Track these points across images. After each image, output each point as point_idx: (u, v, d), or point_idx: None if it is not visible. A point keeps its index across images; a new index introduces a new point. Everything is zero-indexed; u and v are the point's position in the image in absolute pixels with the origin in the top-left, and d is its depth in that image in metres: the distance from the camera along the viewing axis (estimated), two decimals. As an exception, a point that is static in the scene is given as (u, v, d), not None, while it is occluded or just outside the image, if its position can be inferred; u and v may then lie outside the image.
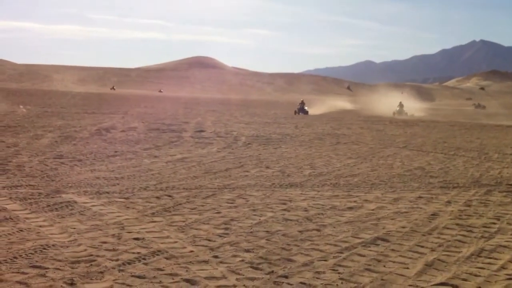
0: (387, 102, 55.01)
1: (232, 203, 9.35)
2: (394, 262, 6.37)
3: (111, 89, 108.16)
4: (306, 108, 44.34)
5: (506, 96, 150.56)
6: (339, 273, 5.94)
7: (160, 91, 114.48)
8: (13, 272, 5.60)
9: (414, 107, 57.08)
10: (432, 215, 8.80)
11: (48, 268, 5.74)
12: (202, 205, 9.06)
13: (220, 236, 7.22)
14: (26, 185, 10.13)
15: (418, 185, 11.55)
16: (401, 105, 49.03)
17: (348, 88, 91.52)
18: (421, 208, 9.32)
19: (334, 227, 7.87)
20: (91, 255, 6.23)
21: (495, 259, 6.59)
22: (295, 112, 43.38)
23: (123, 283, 5.42)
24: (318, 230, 7.71)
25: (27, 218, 7.78)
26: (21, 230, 7.13)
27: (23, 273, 5.59)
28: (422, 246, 7.03)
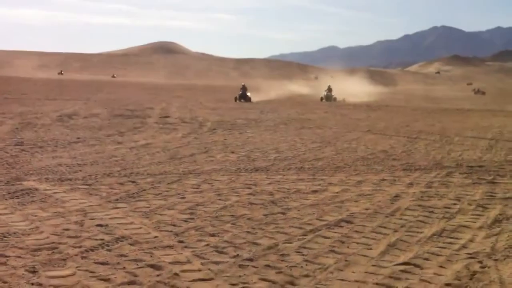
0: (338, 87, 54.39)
1: (197, 188, 9.31)
2: (357, 243, 6.45)
3: (58, 73, 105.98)
4: (248, 94, 39.82)
5: (464, 81, 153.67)
6: (303, 255, 5.98)
7: (113, 76, 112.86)
8: (-28, 261, 5.47)
9: (363, 91, 57.09)
10: (394, 197, 8.94)
11: (9, 256, 5.62)
12: (167, 191, 9.00)
13: (185, 221, 7.19)
14: (-15, 173, 9.87)
15: (381, 168, 11.71)
16: (329, 89, 44.93)
17: (316, 78, 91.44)
18: (384, 190, 9.46)
19: (299, 210, 7.92)
20: (53, 242, 6.13)
21: (456, 238, 6.73)
22: (236, 99, 39.08)
23: (86, 270, 5.35)
24: (283, 213, 7.74)
25: (-14, 207, 7.58)
26: (-20, 219, 6.95)
27: (-18, 262, 5.46)
28: (385, 227, 7.14)
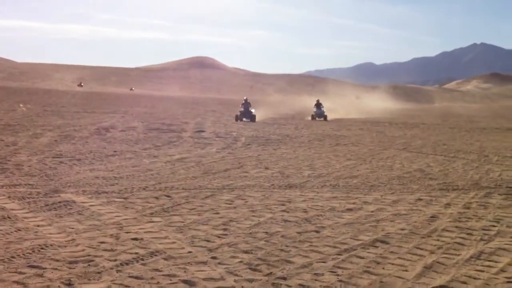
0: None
1: (231, 203, 9.32)
2: (393, 264, 6.34)
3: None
4: (252, 110, 33.22)
5: (503, 99, 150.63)
6: (337, 275, 5.91)
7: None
8: (10, 272, 5.57)
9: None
10: (431, 217, 8.77)
11: (45, 268, 5.71)
12: (201, 206, 9.04)
13: (219, 237, 7.19)
14: (25, 184, 10.11)
15: (417, 187, 11.52)
16: (318, 104, 38.87)
17: (357, 98, 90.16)
18: (420, 210, 9.29)
19: (333, 229, 7.84)
20: (89, 255, 6.21)
21: (495, 262, 6.56)
22: (236, 118, 32.84)
23: (120, 284, 5.40)
24: (317, 231, 7.68)
25: (25, 218, 7.75)
26: (19, 230, 7.10)
27: (20, 273, 5.57)
28: (421, 249, 7.00)
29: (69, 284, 5.32)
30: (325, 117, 37.28)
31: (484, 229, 8.08)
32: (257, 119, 32.73)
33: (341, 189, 11.00)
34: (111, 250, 6.43)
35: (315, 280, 5.74)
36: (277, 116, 37.99)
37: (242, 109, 33.36)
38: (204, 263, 6.13)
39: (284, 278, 5.74)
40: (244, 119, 32.52)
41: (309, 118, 37.85)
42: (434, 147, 20.26)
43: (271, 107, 46.13)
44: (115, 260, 6.06)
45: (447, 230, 7.95)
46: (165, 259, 6.20)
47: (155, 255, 6.30)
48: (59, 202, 8.80)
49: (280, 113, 41.39)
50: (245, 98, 35.59)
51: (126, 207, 8.69)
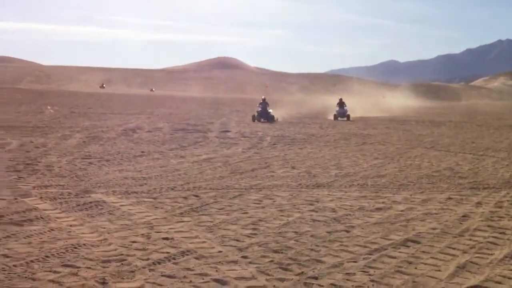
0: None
1: (259, 203, 9.33)
2: (425, 264, 6.28)
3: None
4: (270, 110, 31.49)
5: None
6: (369, 274, 5.88)
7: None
8: (45, 271, 5.67)
9: (400, 106, 55.14)
10: (462, 216, 8.66)
11: (80, 267, 5.80)
12: (229, 205, 9.07)
13: (248, 237, 7.21)
14: (56, 185, 10.27)
15: (447, 186, 11.38)
16: (340, 103, 36.78)
17: (383, 97, 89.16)
18: (451, 209, 9.18)
19: (363, 228, 7.79)
20: (122, 254, 6.28)
21: (529, 261, 6.45)
22: (253, 118, 31.09)
23: (154, 283, 5.45)
24: (346, 231, 7.64)
25: (57, 218, 7.88)
26: (52, 230, 7.22)
27: (55, 272, 5.66)
28: (454, 248, 6.92)
29: (104, 283, 5.39)
30: (348, 117, 35.43)
31: (517, 228, 7.95)
32: (280, 118, 32.13)
33: (369, 188, 10.93)
34: (143, 249, 6.49)
35: (347, 280, 5.72)
36: (300, 115, 37.77)
37: (259, 109, 31.61)
38: (235, 262, 6.15)
39: (316, 278, 5.73)
40: (261, 119, 30.72)
41: (331, 117, 35.93)
42: (462, 145, 20.00)
43: (294, 106, 46.01)
44: (147, 259, 6.12)
45: (479, 230, 7.85)
46: (196, 258, 6.24)
47: (186, 254, 6.35)
48: (90, 202, 8.92)
49: (303, 112, 41.03)
50: (263, 97, 33.60)
51: (156, 207, 8.77)
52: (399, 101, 66.37)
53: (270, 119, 30.72)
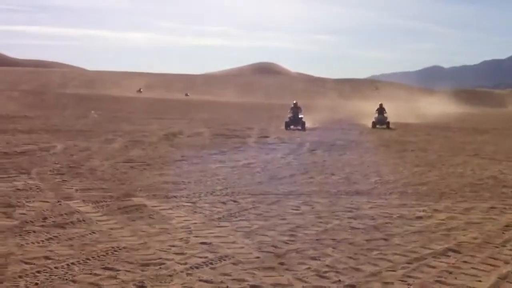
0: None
1: (297, 209, 9.32)
2: (466, 274, 6.16)
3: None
4: (301, 116, 29.33)
5: None
6: (408, 284, 5.80)
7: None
8: (85, 274, 5.80)
9: (435, 112, 53.54)
10: (505, 226, 8.45)
11: (119, 270, 5.90)
12: (267, 211, 9.09)
13: (286, 243, 7.21)
14: (98, 188, 10.49)
15: (490, 195, 11.12)
16: (380, 109, 33.92)
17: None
18: (494, 219, 8.97)
19: (403, 237, 7.69)
20: (160, 258, 6.37)
21: None
22: (287, 125, 28.72)
23: (191, 287, 5.50)
24: (385, 239, 7.55)
25: (99, 221, 8.05)
26: (93, 232, 7.38)
27: (95, 274, 5.78)
28: (496, 259, 6.76)
29: (142, 286, 5.48)
30: (387, 124, 32.49)
31: None
32: (318, 124, 31.66)
33: (410, 196, 10.77)
34: (181, 253, 6.57)
35: (385, 288, 5.65)
36: (339, 121, 37.31)
37: (290, 115, 29.26)
38: (272, 268, 6.16)
39: (353, 286, 5.69)
40: (291, 126, 28.52)
41: (369, 124, 33.13)
42: (507, 153, 19.49)
43: (331, 112, 45.59)
44: (185, 264, 6.19)
45: (523, 240, 7.64)
46: (233, 263, 6.27)
47: (224, 260, 6.39)
48: (131, 205, 9.08)
49: (342, 118, 40.36)
50: (294, 102, 31.00)
51: (195, 212, 8.86)
52: (438, 107, 65.05)
53: (302, 125, 28.56)
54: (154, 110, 45.15)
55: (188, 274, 5.86)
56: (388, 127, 32.16)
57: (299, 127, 28.52)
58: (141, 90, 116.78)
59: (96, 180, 11.35)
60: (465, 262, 6.61)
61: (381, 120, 33.05)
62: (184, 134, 22.86)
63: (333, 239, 7.47)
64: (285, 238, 7.44)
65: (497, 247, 7.30)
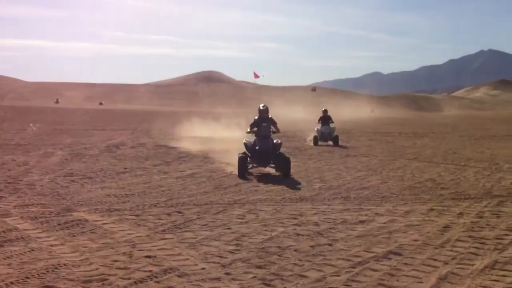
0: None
1: (242, 218, 9.32)
2: (407, 276, 6.31)
3: (99, 104, 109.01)
4: (333, 125, 25.77)
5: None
6: (352, 288, 5.89)
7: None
8: (25, 292, 5.60)
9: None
10: (444, 227, 8.72)
11: (60, 288, 5.73)
12: (213, 221, 9.05)
13: (232, 253, 7.20)
14: (37, 204, 10.17)
15: (429, 197, 11.47)
16: (324, 118, 26.17)
17: (372, 111, 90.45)
18: (433, 220, 9.25)
19: (346, 242, 7.82)
20: (103, 274, 6.22)
21: (509, 271, 6.51)
22: (315, 141, 25.07)
23: (135, 302, 5.41)
24: (330, 244, 7.66)
25: (38, 238, 7.79)
26: (32, 250, 7.14)
27: (35, 293, 5.59)
28: (435, 260, 6.97)
29: (84, 304, 5.34)
30: (335, 140, 25.11)
31: (497, 238, 8.03)
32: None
33: (352, 201, 10.97)
34: (125, 268, 6.44)
35: (329, 294, 5.72)
36: (284, 129, 37.45)
37: (319, 127, 25.23)
38: (218, 279, 6.13)
39: (298, 293, 5.73)
40: (321, 142, 24.66)
41: (310, 141, 26.29)
42: (444, 156, 20.18)
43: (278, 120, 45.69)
44: (129, 279, 6.07)
45: (460, 240, 7.91)
46: (179, 276, 6.21)
47: (169, 272, 6.31)
48: (72, 221, 8.84)
49: (287, 126, 40.48)
50: (323, 109, 26.87)
51: (139, 225, 8.72)
52: (384, 113, 66.83)
53: (334, 139, 24.76)
54: (96, 121, 44.24)
55: (132, 289, 5.76)
56: (336, 144, 24.80)
57: (331, 142, 24.85)
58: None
59: (35, 196, 11.00)
60: (406, 264, 6.78)
61: (326, 134, 25.44)
62: (126, 145, 22.47)
63: (278, 247, 7.52)
64: (231, 248, 7.43)
65: (436, 248, 7.52)
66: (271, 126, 15.37)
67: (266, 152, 14.66)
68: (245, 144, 15.22)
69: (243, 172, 14.06)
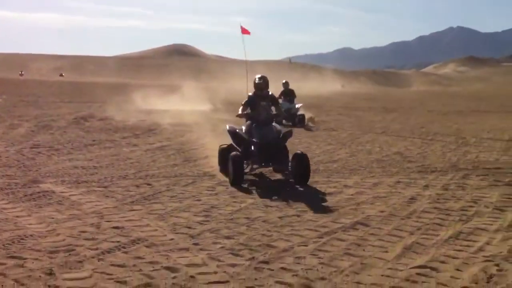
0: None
1: (212, 190, 9.33)
2: (373, 246, 6.42)
3: (60, 75, 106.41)
4: (298, 106, 21.94)
5: (479, 82, 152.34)
6: (319, 257, 5.97)
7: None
8: (-10, 263, 5.52)
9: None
10: (410, 199, 8.88)
11: (26, 259, 5.67)
12: (182, 193, 9.04)
13: (201, 224, 7.21)
14: (3, 175, 9.99)
15: (396, 170, 11.64)
16: (285, 92, 22.44)
17: (343, 86, 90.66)
18: (399, 192, 9.41)
19: (314, 213, 7.90)
20: (70, 244, 6.17)
21: (473, 241, 6.68)
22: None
23: (102, 272, 5.38)
24: (298, 215, 7.73)
25: (4, 209, 7.68)
26: (-2, 221, 7.03)
27: (0, 264, 5.52)
28: (401, 230, 7.10)
29: (50, 274, 5.30)
30: (301, 119, 21.25)
31: (462, 210, 8.21)
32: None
33: (321, 174, 11.06)
34: (92, 239, 6.40)
35: (297, 263, 5.79)
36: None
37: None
38: (186, 249, 6.14)
39: (267, 262, 5.78)
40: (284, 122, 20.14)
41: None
42: (412, 130, 20.46)
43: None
44: (97, 249, 6.04)
45: (426, 212, 8.07)
46: (147, 246, 6.20)
47: (137, 243, 6.29)
48: (38, 192, 8.72)
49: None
50: (284, 81, 23.09)
51: (107, 196, 8.65)
52: (355, 88, 67.31)
53: (300, 120, 21.11)
54: (64, 93, 43.42)
55: (99, 260, 5.73)
56: (302, 125, 20.93)
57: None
58: (63, 74, 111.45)
59: (1, 167, 10.80)
60: (372, 234, 6.89)
61: (289, 113, 20.80)
62: (95, 118, 22.16)
63: (247, 218, 7.56)
64: (200, 219, 7.44)
65: (402, 219, 7.66)
66: (272, 108, 11.10)
67: (272, 146, 10.33)
68: (232, 133, 10.93)
69: (239, 178, 9.78)
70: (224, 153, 10.73)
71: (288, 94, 22.60)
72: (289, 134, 10.60)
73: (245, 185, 9.74)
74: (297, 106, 22.06)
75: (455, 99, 55.37)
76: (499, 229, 7.19)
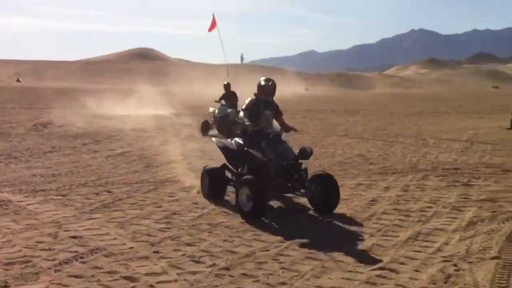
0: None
1: (173, 196, 9.25)
2: (334, 249, 6.45)
3: (16, 81, 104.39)
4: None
5: (441, 84, 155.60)
6: (280, 262, 5.97)
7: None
8: None
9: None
10: (371, 201, 8.98)
11: (-21, 272, 5.50)
12: (143, 200, 8.93)
13: (161, 231, 7.13)
14: (-43, 185, 9.69)
15: (358, 172, 11.76)
16: (226, 96, 19.35)
17: (307, 90, 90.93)
18: (360, 194, 9.50)
19: (277, 218, 7.89)
20: (26, 255, 6.02)
21: (431, 242, 6.79)
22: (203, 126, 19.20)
23: (59, 284, 5.27)
24: (261, 221, 7.71)
25: (-43, 220, 7.44)
26: (-50, 233, 6.81)
27: (-48, 278, 5.34)
28: (362, 232, 7.17)
29: (5, 286, 5.16)
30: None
31: (421, 211, 8.35)
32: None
33: (284, 177, 11.05)
34: (49, 249, 6.26)
35: (259, 269, 5.78)
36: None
37: (218, 107, 18.38)
38: (146, 258, 6.06)
39: (228, 269, 5.76)
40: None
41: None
42: (374, 133, 20.72)
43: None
44: (53, 260, 5.90)
45: (386, 213, 8.17)
46: (105, 256, 6.09)
47: (96, 253, 6.18)
48: (-6, 202, 8.49)
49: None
50: (226, 83, 19.94)
51: (65, 205, 8.47)
52: (320, 91, 67.82)
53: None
54: (23, 99, 42.50)
55: (56, 271, 5.60)
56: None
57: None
58: (20, 79, 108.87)
59: (-45, 177, 10.48)
60: (333, 237, 6.92)
61: (229, 120, 18.05)
62: (54, 124, 21.72)
63: (209, 224, 7.51)
64: (161, 226, 7.36)
65: (363, 221, 7.73)
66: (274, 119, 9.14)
67: (293, 167, 8.23)
68: (227, 150, 9.05)
69: (263, 210, 7.80)
70: (214, 175, 8.83)
71: (230, 98, 19.31)
72: (310, 153, 8.44)
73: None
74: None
75: (416, 101, 56.34)
76: (457, 229, 7.33)
